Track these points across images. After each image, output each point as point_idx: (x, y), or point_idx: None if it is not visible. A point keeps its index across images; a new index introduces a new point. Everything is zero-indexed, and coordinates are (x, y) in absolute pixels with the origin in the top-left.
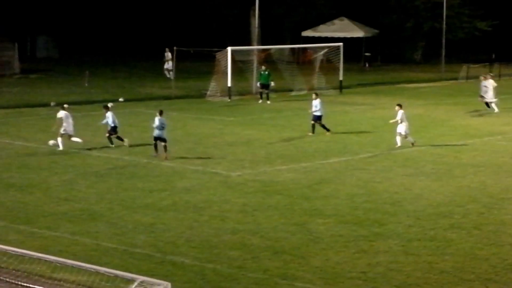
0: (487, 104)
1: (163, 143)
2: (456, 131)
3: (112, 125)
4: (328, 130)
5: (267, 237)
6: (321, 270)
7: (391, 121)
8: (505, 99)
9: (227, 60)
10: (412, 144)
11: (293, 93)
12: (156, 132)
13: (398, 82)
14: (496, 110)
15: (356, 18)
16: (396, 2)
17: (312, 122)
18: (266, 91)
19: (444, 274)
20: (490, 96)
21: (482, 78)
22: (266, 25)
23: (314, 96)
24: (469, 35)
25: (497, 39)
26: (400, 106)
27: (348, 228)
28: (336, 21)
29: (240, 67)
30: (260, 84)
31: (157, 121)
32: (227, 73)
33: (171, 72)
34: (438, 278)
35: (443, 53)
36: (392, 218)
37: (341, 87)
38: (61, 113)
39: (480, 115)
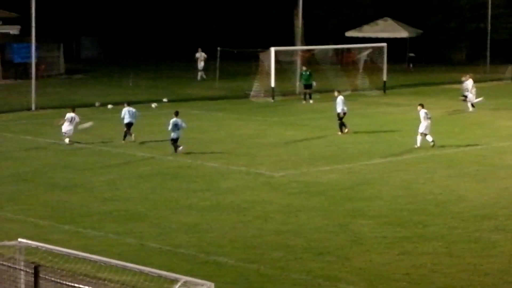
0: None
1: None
2: (500, 132)
3: (127, 121)
4: (341, 131)
5: (310, 238)
6: (364, 272)
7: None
8: None
9: (270, 60)
10: (432, 144)
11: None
12: (172, 135)
13: (442, 83)
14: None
15: (400, 18)
16: (440, 2)
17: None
18: (309, 91)
19: (488, 276)
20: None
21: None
22: (309, 25)
23: (336, 93)
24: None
25: None
26: (421, 105)
27: (391, 229)
28: (379, 22)
29: (283, 67)
30: (302, 84)
31: (171, 123)
32: (270, 74)
33: (199, 73)
34: (482, 280)
35: (488, 54)
36: (435, 219)
37: (384, 88)
38: (68, 116)
39: None
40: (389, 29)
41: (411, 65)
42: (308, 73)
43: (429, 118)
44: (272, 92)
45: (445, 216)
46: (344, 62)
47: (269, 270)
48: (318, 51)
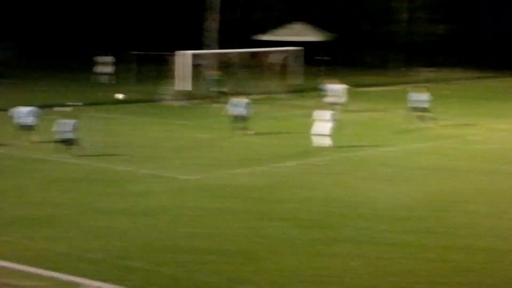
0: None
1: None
2: (411, 134)
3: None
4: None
5: (221, 241)
6: (275, 274)
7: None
8: (460, 102)
9: (182, 64)
10: (328, 145)
11: (251, 97)
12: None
13: (358, 86)
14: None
15: (315, 22)
16: (354, 7)
17: None
18: (221, 94)
19: (399, 277)
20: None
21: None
22: (223, 29)
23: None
24: (426, 39)
25: (453, 43)
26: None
27: (302, 231)
28: (294, 25)
29: (196, 71)
30: (212, 89)
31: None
32: (182, 77)
33: (103, 77)
34: (393, 281)
35: (402, 57)
36: (347, 221)
37: (299, 91)
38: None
39: (435, 119)
40: (304, 32)
41: (324, 69)
42: (219, 78)
43: (334, 120)
44: (186, 96)
45: (356, 218)
46: (258, 66)
47: (180, 273)
48: (232, 55)
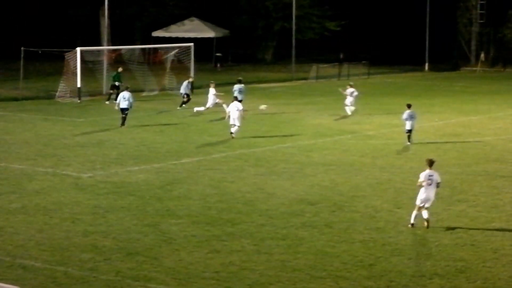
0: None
1: None
2: (307, 130)
3: None
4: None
5: (119, 239)
6: (174, 271)
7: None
8: (359, 99)
9: (76, 60)
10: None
11: (144, 94)
12: None
13: (250, 82)
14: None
15: (207, 18)
16: (247, 3)
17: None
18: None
19: (297, 272)
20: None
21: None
22: (116, 25)
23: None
24: (319, 35)
25: (345, 39)
26: (235, 98)
27: (201, 228)
28: (187, 22)
29: (90, 67)
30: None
31: None
32: (76, 74)
33: None
34: (291, 276)
35: (293, 53)
36: (244, 217)
37: (192, 88)
38: None
39: (331, 115)
40: (196, 29)
41: (218, 65)
42: (117, 73)
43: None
44: (78, 93)
45: (253, 214)
46: (152, 62)
47: (78, 272)
48: (125, 51)
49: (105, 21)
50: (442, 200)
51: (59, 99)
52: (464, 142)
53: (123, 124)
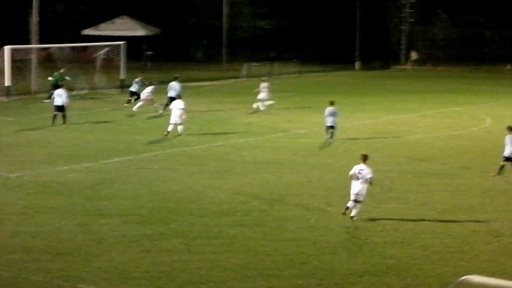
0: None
1: None
2: (238, 129)
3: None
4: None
5: (48, 239)
6: (105, 271)
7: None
8: (284, 97)
9: (4, 59)
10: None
11: (73, 93)
12: None
13: (181, 81)
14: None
15: (138, 16)
16: (178, 1)
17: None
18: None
19: (228, 271)
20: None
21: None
22: (45, 23)
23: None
24: (250, 34)
25: (277, 38)
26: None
27: (131, 228)
28: (117, 20)
29: (19, 66)
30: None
31: None
32: (4, 72)
33: None
34: (222, 275)
35: (224, 52)
36: (175, 216)
37: (122, 86)
38: None
39: (262, 114)
40: (126, 27)
41: (148, 64)
42: (60, 75)
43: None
44: (6, 91)
45: (184, 213)
46: (82, 61)
47: (6, 272)
48: (55, 50)
49: (34, 19)
50: (372, 198)
51: None
52: (394, 140)
53: (64, 122)
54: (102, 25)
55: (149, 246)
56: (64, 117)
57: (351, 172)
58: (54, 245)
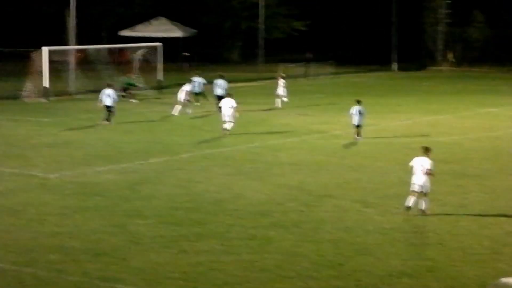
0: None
1: None
2: (274, 130)
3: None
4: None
5: (86, 240)
6: (142, 271)
7: None
8: (321, 98)
9: (42, 60)
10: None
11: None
12: None
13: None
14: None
15: (174, 18)
16: (214, 2)
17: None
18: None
19: (265, 272)
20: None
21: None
22: (83, 25)
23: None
24: (286, 35)
25: (312, 39)
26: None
27: (168, 228)
28: (153, 21)
29: (57, 67)
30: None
31: None
32: (43, 74)
33: None
34: (259, 276)
35: (260, 53)
36: (212, 217)
37: (159, 87)
38: None
39: (299, 115)
40: (163, 28)
41: (186, 65)
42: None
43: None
44: (45, 92)
45: (221, 214)
46: (118, 62)
47: (45, 273)
48: (92, 51)
49: (71, 20)
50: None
51: (25, 99)
52: (431, 141)
53: (108, 120)
54: (139, 26)
55: (186, 247)
56: (109, 116)
57: (410, 164)
58: (92, 245)
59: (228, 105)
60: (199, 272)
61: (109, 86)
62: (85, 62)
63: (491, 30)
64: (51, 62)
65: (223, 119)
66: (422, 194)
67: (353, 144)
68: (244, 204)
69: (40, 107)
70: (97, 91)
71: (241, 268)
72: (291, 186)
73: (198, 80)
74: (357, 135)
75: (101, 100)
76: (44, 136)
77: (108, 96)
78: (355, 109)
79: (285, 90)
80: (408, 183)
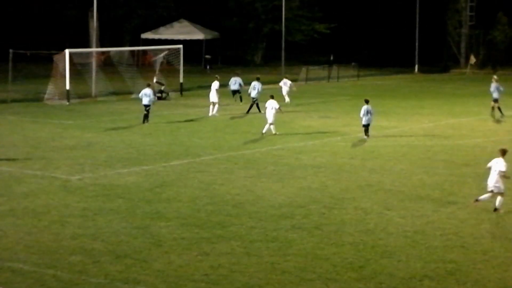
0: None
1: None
2: (297, 132)
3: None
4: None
5: (108, 241)
6: (164, 273)
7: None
8: (343, 101)
9: (65, 62)
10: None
11: (133, 96)
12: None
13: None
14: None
15: (196, 20)
16: (236, 5)
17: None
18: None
19: (286, 274)
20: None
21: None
22: (105, 27)
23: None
24: (308, 37)
25: (335, 42)
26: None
27: (190, 230)
28: (176, 24)
29: (79, 69)
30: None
31: None
32: (65, 76)
33: None
34: (280, 278)
35: (283, 55)
36: (234, 220)
37: (181, 90)
38: None
39: (321, 117)
40: (185, 31)
41: (208, 67)
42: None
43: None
44: (67, 95)
45: (243, 216)
46: (141, 64)
47: (67, 274)
48: (114, 53)
49: (93, 23)
50: (432, 201)
51: (47, 101)
52: (454, 144)
53: (146, 120)
54: (161, 29)
55: (208, 249)
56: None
57: (488, 165)
58: (113, 247)
59: (271, 106)
60: (220, 274)
61: (148, 86)
62: (107, 65)
63: None
64: (73, 64)
65: (268, 120)
66: (497, 194)
67: (375, 146)
68: (265, 206)
69: (62, 109)
70: (119, 93)
71: (262, 270)
72: (312, 189)
73: (238, 80)
74: (365, 134)
75: (141, 99)
76: (66, 138)
77: (146, 96)
78: (363, 109)
79: (287, 90)
80: (429, 185)
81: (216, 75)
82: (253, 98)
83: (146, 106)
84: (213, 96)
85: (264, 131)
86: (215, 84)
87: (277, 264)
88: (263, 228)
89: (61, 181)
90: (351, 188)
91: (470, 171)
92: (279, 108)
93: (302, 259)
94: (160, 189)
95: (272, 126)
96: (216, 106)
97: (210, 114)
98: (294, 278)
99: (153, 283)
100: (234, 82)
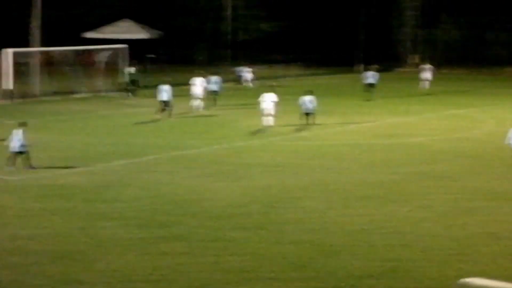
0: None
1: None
2: (240, 132)
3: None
4: None
5: (48, 242)
6: (105, 274)
7: None
8: (288, 100)
9: (7, 62)
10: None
11: (77, 96)
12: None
13: (183, 84)
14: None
15: (140, 20)
16: (180, 4)
17: None
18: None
19: (229, 274)
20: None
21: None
22: (47, 26)
23: None
24: (254, 36)
25: (279, 41)
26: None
27: (132, 231)
28: (119, 23)
29: (21, 69)
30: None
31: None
32: (7, 75)
33: None
34: (222, 278)
35: (228, 55)
36: (176, 219)
37: (127, 90)
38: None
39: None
40: (129, 30)
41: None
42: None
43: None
44: (10, 95)
45: (186, 216)
46: (84, 64)
47: (7, 276)
48: (57, 53)
49: (35, 22)
50: (374, 200)
51: None
52: (396, 142)
53: (169, 115)
54: (104, 28)
55: (150, 249)
56: (169, 111)
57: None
58: (54, 248)
59: (270, 99)
60: (163, 274)
61: (164, 82)
62: (49, 64)
63: (457, 31)
64: (15, 63)
65: (264, 113)
66: None
67: (318, 145)
68: (208, 206)
69: (5, 109)
70: (62, 93)
71: (205, 270)
72: (255, 188)
73: (215, 79)
74: (308, 122)
75: (159, 95)
76: (6, 138)
77: (165, 92)
78: (304, 99)
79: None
80: (371, 183)
81: (201, 71)
82: (214, 91)
83: (165, 102)
84: (198, 92)
85: (265, 124)
86: (199, 80)
87: (219, 264)
88: (206, 227)
89: (0, 181)
90: (294, 187)
91: (412, 169)
92: (276, 101)
93: (244, 259)
94: (102, 189)
95: (272, 119)
96: (202, 102)
97: (199, 109)
98: (236, 278)
99: (94, 284)
100: (214, 82)
